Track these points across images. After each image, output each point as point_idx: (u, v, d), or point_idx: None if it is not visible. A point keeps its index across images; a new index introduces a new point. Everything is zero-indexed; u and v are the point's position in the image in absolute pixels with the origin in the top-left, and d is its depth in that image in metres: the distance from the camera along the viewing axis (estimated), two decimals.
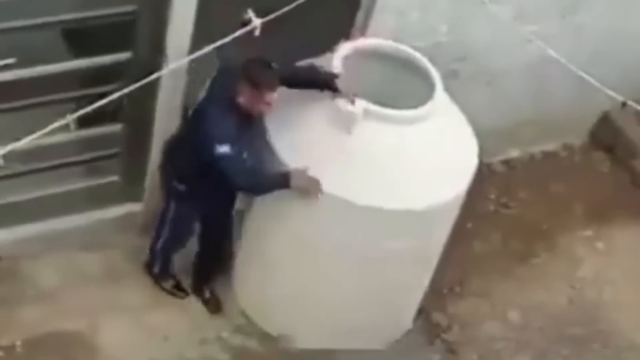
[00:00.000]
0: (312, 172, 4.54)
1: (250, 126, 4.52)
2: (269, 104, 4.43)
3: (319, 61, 4.82)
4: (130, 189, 5.13)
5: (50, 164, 4.76)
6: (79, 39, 4.64)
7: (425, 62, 4.88)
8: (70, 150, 4.87)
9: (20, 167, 4.47)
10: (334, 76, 4.60)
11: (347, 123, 4.57)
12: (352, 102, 4.54)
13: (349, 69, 4.72)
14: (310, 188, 4.53)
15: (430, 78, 4.82)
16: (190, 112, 4.65)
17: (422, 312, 5.53)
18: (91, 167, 5.07)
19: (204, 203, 4.78)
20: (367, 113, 4.57)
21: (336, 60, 4.73)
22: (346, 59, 4.78)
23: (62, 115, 4.44)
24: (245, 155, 4.44)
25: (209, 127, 4.39)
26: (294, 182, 4.49)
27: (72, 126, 3.97)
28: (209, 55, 3.97)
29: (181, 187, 4.71)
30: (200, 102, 4.55)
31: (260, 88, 4.37)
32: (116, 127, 4.90)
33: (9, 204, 4.87)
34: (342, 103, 4.56)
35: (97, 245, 5.20)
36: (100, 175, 5.08)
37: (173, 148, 4.75)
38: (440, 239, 5.10)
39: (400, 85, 4.93)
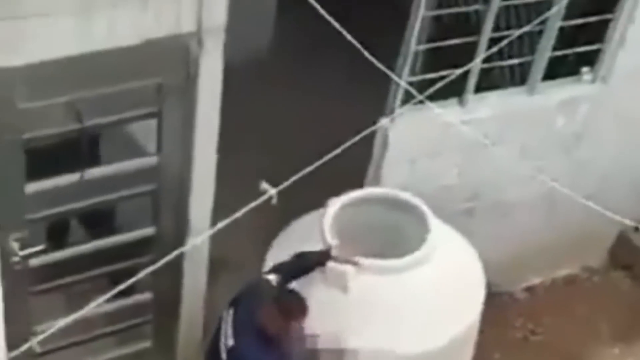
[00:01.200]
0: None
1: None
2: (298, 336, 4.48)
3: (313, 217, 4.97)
4: (162, 355, 5.26)
5: (85, 337, 4.88)
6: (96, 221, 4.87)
7: (419, 204, 5.01)
8: (103, 321, 5.03)
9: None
10: (326, 254, 4.71)
11: (341, 283, 4.71)
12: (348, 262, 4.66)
13: (343, 232, 4.84)
14: None
15: (424, 220, 4.94)
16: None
17: None
18: (123, 334, 5.21)
19: None
20: (361, 268, 4.70)
21: (328, 217, 4.86)
22: (341, 209, 4.94)
23: (96, 288, 4.80)
24: None
25: None
26: None
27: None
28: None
29: None
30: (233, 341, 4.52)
31: (291, 319, 4.42)
32: (146, 296, 5.05)
33: None
34: (333, 265, 4.68)
35: None
36: (132, 343, 5.21)
37: None
38: None
39: (399, 228, 5.06)
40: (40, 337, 3.84)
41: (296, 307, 4.45)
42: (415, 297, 4.77)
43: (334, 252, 4.73)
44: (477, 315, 5.02)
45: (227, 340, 4.50)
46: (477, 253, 5.18)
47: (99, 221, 4.99)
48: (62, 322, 3.84)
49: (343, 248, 4.76)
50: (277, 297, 4.47)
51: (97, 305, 4.06)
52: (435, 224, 4.93)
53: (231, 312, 4.56)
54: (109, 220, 5.05)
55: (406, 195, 5.04)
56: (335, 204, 4.96)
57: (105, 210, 4.91)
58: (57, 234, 5.07)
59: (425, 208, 4.98)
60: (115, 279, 4.90)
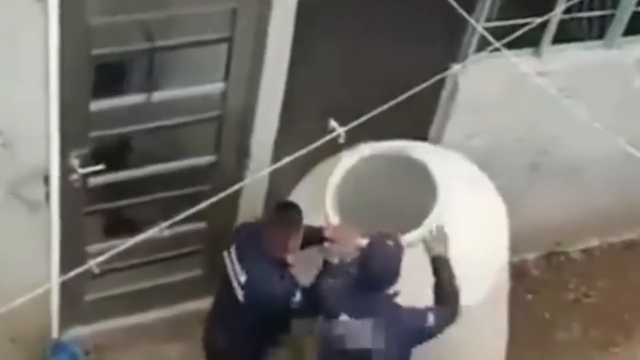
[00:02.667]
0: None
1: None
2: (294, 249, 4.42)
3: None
4: (211, 283, 5.17)
5: (137, 262, 4.87)
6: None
7: (429, 168, 4.73)
8: (156, 246, 4.98)
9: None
10: (320, 235, 4.52)
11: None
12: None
13: (346, 202, 4.66)
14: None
15: (433, 187, 4.65)
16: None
17: None
18: (175, 262, 5.20)
19: None
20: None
21: (330, 188, 4.66)
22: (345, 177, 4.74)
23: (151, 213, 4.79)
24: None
25: (272, 286, 4.36)
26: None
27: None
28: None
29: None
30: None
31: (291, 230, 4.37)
32: (201, 225, 5.02)
33: (99, 299, 5.03)
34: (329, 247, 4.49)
35: (179, 337, 5.28)
36: (183, 271, 5.21)
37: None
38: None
39: (407, 194, 4.83)
40: (100, 259, 3.82)
41: (293, 217, 4.39)
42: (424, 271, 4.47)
43: (327, 233, 4.50)
44: (495, 282, 4.80)
45: (239, 277, 4.44)
46: (509, 208, 5.00)
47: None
48: (121, 247, 3.82)
49: (344, 222, 4.56)
50: (272, 218, 4.46)
51: (153, 231, 4.07)
52: (444, 191, 4.61)
53: (233, 251, 4.50)
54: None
55: (417, 155, 4.78)
56: (339, 171, 4.74)
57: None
58: (118, 156, 5.04)
59: (439, 174, 4.67)
60: (171, 205, 4.94)
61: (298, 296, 4.32)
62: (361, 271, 4.19)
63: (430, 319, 4.12)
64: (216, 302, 4.75)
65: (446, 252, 4.30)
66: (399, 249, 4.18)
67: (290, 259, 4.41)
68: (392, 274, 4.16)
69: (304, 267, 4.48)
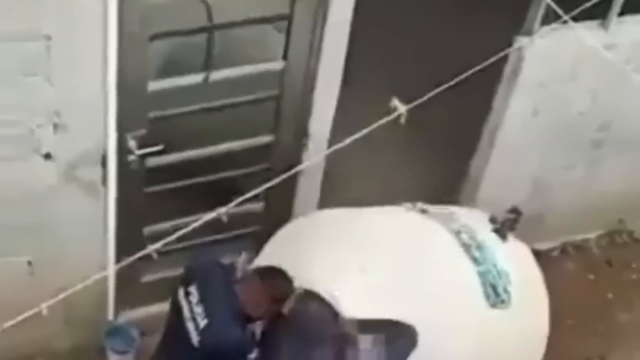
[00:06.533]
0: None
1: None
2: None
3: None
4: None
5: (196, 242, 4.64)
6: None
7: None
8: (213, 227, 4.92)
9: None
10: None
11: None
12: None
13: None
14: None
15: None
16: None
17: None
18: (231, 243, 5.09)
19: None
20: None
21: None
22: None
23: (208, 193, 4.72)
24: None
25: (233, 338, 3.95)
26: None
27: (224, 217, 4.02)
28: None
29: None
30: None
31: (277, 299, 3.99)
32: (257, 206, 4.93)
33: (156, 280, 4.97)
34: None
35: None
36: (238, 252, 5.12)
37: None
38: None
39: None
40: (158, 244, 3.74)
41: (281, 287, 4.00)
42: None
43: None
44: None
45: (198, 320, 3.96)
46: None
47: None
48: (180, 232, 3.74)
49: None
50: (260, 274, 4.06)
51: (210, 212, 3.99)
52: None
53: (193, 290, 4.03)
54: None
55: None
56: None
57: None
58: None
59: None
60: (229, 185, 4.86)
61: (254, 354, 3.98)
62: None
63: None
64: (164, 343, 4.27)
65: None
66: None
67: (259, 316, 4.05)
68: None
69: None
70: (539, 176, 5.63)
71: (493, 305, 4.27)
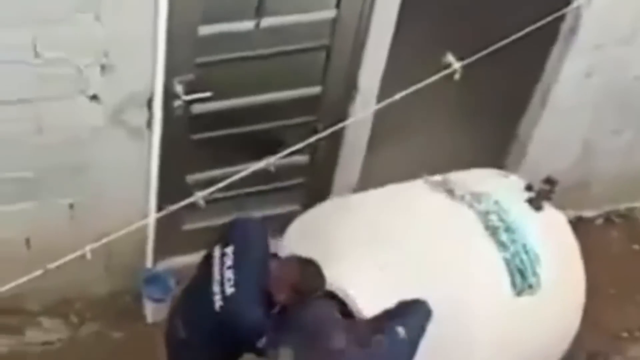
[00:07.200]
0: None
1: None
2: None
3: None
4: None
5: (239, 192, 4.67)
6: None
7: None
8: (257, 178, 4.86)
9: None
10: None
11: None
12: None
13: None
14: None
15: None
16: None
17: (600, 356, 5.36)
18: (274, 195, 5.06)
19: None
20: None
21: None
22: None
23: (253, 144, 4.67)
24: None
25: (253, 317, 3.88)
26: None
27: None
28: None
29: None
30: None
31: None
32: (302, 158, 4.85)
33: (196, 230, 4.92)
34: None
35: None
36: (282, 204, 5.05)
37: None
38: None
39: None
40: (206, 191, 3.69)
41: (313, 281, 3.87)
42: None
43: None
44: None
45: (226, 286, 3.88)
46: None
47: None
48: (229, 180, 3.69)
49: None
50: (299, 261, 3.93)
51: (260, 165, 3.94)
52: None
53: (229, 252, 3.96)
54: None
55: None
56: None
57: None
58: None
59: None
60: (272, 137, 4.80)
61: (264, 340, 3.86)
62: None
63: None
64: (188, 293, 4.21)
65: None
66: None
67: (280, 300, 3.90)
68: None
69: None
70: (588, 140, 5.54)
71: (520, 293, 4.17)
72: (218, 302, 3.87)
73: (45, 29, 3.88)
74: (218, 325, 3.89)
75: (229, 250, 3.93)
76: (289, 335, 3.81)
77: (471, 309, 4.06)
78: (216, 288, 3.88)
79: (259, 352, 3.94)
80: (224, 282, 3.87)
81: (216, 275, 3.91)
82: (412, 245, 4.11)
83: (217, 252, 3.97)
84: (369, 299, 3.95)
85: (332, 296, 3.95)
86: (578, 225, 5.62)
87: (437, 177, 4.45)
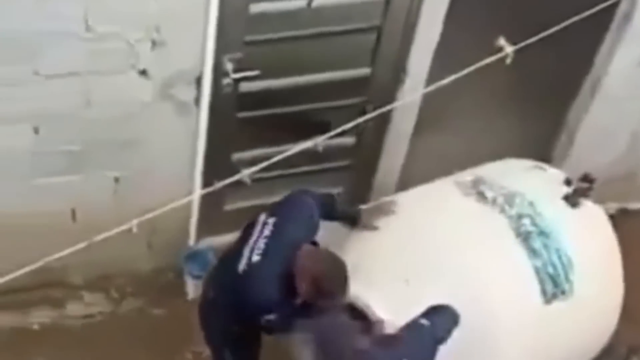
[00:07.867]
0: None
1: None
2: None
3: None
4: (353, 203, 5.04)
5: (284, 172, 4.59)
6: None
7: None
8: (302, 159, 4.74)
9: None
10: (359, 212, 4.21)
11: None
12: None
13: None
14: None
15: None
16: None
17: None
18: (319, 176, 5.01)
19: None
20: None
21: None
22: None
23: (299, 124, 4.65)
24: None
25: (267, 291, 3.82)
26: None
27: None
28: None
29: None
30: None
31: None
32: (349, 140, 4.84)
33: (239, 209, 4.90)
34: None
35: None
36: (326, 185, 4.93)
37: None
38: None
39: None
40: (253, 169, 3.68)
41: (336, 285, 3.77)
42: None
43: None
44: None
45: (254, 252, 3.85)
46: None
47: None
48: (275, 158, 3.69)
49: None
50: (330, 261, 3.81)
51: (303, 143, 3.92)
52: None
53: (270, 222, 3.91)
54: None
55: None
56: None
57: None
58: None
59: None
60: (319, 117, 4.78)
61: (272, 316, 3.82)
62: None
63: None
64: (222, 257, 4.23)
65: None
66: None
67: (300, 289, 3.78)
68: None
69: None
70: (637, 132, 5.46)
71: (550, 301, 4.09)
72: (242, 265, 3.85)
73: (98, 2, 3.88)
74: (236, 286, 3.89)
75: (271, 220, 3.91)
76: (311, 332, 3.72)
77: (498, 320, 3.98)
78: (246, 251, 3.87)
79: (261, 328, 3.94)
80: (255, 248, 3.85)
81: (251, 240, 3.89)
82: (439, 257, 4.01)
83: (261, 218, 3.96)
84: (393, 313, 3.88)
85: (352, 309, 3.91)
86: (622, 217, 5.62)
87: (469, 177, 4.35)
